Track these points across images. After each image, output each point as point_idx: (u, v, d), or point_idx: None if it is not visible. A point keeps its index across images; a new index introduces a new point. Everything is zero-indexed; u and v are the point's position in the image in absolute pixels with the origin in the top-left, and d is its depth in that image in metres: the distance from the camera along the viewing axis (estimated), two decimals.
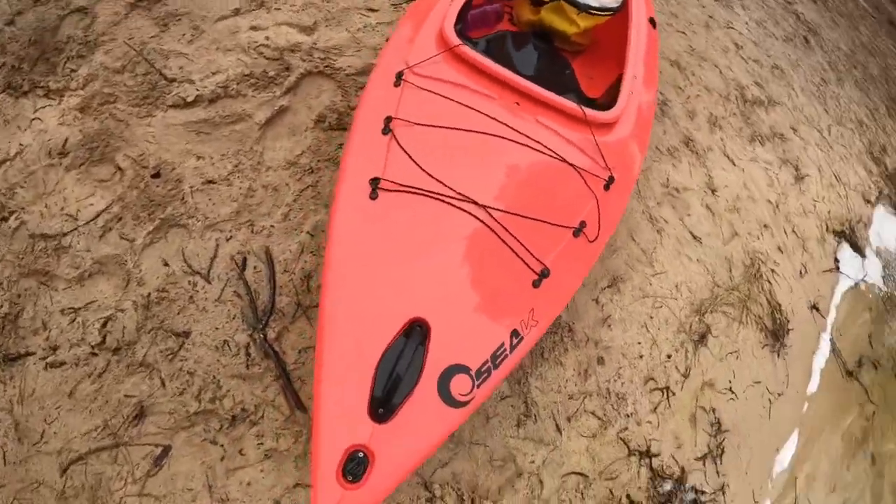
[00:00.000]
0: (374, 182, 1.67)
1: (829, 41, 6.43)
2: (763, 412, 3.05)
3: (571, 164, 1.99)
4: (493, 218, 1.71)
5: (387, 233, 1.61)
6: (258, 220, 2.26)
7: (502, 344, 1.51)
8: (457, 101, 1.97)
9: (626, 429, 2.45)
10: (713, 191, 3.62)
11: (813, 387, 3.52)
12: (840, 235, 4.57)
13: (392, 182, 1.67)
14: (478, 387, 1.42)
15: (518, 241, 1.70)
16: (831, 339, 3.86)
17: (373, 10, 3.06)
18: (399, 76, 1.96)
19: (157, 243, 2.10)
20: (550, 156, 1.97)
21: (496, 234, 1.69)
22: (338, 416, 1.25)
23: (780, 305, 3.51)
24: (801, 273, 3.90)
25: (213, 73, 2.55)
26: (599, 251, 1.99)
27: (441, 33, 2.15)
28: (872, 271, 4.73)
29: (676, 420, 2.61)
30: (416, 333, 1.42)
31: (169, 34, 2.61)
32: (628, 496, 2.31)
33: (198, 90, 2.47)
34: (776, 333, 3.37)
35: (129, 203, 2.15)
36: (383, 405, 1.29)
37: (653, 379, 2.64)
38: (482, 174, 1.85)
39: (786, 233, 4.01)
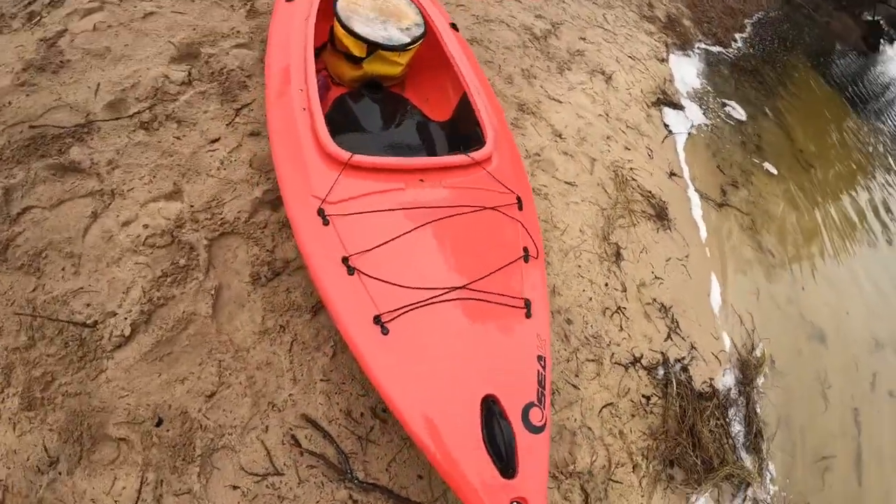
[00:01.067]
0: (378, 319, 1.88)
1: None
2: (684, 276, 3.89)
3: (490, 208, 2.35)
4: (471, 289, 2.04)
5: (412, 350, 1.88)
6: (276, 398, 2.37)
7: (538, 371, 1.95)
8: (383, 210, 2.18)
9: (613, 354, 3.11)
10: (560, 136, 4.25)
11: (703, 233, 4.57)
12: (657, 104, 5.57)
13: (390, 312, 1.90)
14: (544, 409, 1.84)
15: (497, 294, 2.06)
16: (696, 190, 4.94)
17: (215, 141, 3.15)
18: (322, 214, 2.10)
19: (212, 477, 2.18)
20: (473, 210, 2.32)
21: (482, 300, 2.03)
22: (488, 495, 1.60)
23: (650, 192, 4.32)
24: (649, 155, 4.88)
25: (126, 292, 2.53)
26: (544, 258, 2.42)
27: (324, 150, 2.29)
28: (694, 115, 5.88)
29: (637, 324, 3.35)
30: (489, 405, 1.77)
31: (48, 277, 2.50)
32: (643, 395, 3.04)
33: (126, 318, 2.46)
34: (660, 214, 4.19)
35: (157, 464, 2.17)
36: (505, 465, 1.66)
37: (607, 308, 3.31)
38: (442, 260, 2.15)
39: (623, 132, 4.91)
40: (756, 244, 4.80)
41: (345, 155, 2.25)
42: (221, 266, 2.58)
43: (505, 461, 1.66)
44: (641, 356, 3.20)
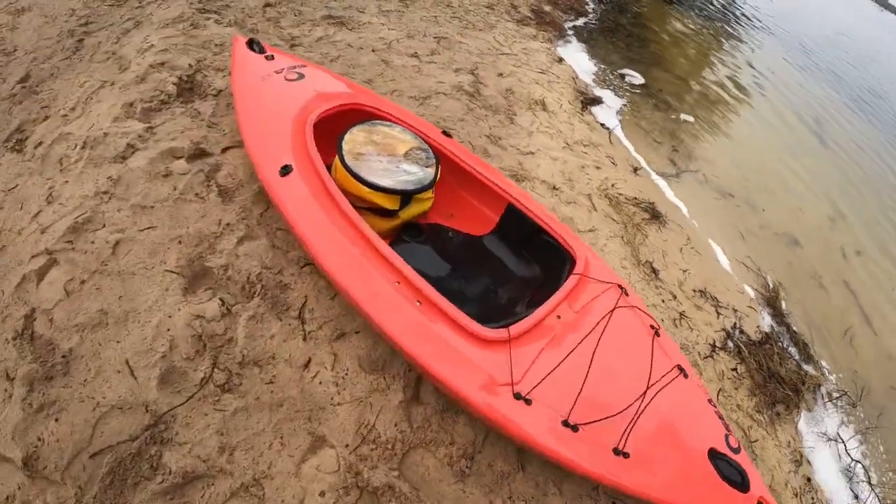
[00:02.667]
0: (618, 450, 2.17)
1: None
2: (697, 256, 4.53)
3: (611, 310, 2.62)
4: (650, 386, 2.34)
5: (652, 453, 2.23)
6: None
7: (714, 411, 2.41)
8: (562, 360, 2.34)
9: (699, 352, 3.61)
10: (555, 188, 4.46)
11: (684, 210, 5.14)
12: (584, 108, 5.94)
13: (585, 423, 2.18)
14: (731, 433, 2.36)
15: (665, 378, 2.41)
16: (657, 174, 5.53)
17: (307, 365, 2.82)
18: (521, 397, 2.21)
19: None
20: (605, 318, 2.56)
21: (660, 388, 2.37)
22: None
23: (636, 198, 4.80)
24: (613, 163, 5.25)
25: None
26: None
27: (478, 336, 2.34)
28: (610, 100, 6.41)
29: (696, 318, 3.87)
30: (713, 453, 2.24)
31: None
32: (732, 369, 3.62)
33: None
34: (654, 214, 4.67)
35: None
36: (741, 484, 2.16)
37: (674, 319, 3.77)
38: (617, 372, 2.39)
39: (585, 152, 5.21)
40: (718, 194, 5.52)
41: (503, 333, 2.29)
42: (424, 485, 2.45)
43: (740, 481, 2.15)
44: (714, 341, 3.70)
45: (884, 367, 4.30)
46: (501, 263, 3.27)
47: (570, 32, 7.62)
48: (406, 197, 2.94)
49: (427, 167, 3.04)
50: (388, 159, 3.00)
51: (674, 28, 9.73)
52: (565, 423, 2.16)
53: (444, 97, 4.87)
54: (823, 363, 4.08)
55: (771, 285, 4.53)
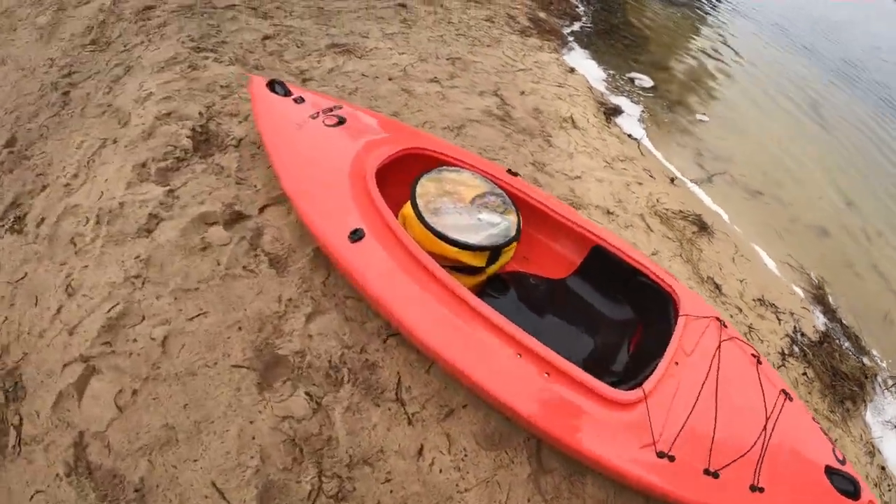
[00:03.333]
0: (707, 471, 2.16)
1: None
2: (748, 263, 4.44)
3: (718, 345, 2.58)
4: (769, 418, 2.35)
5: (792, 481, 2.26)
6: None
7: (820, 427, 2.44)
8: (697, 404, 2.32)
9: (771, 362, 3.50)
10: (609, 212, 4.23)
11: (725, 217, 5.03)
12: (608, 119, 5.72)
13: (722, 468, 2.16)
14: (836, 447, 2.39)
15: (776, 407, 2.42)
16: (691, 181, 5.40)
17: (422, 457, 2.49)
18: (666, 455, 2.15)
19: None
20: (714, 354, 2.55)
21: (776, 420, 2.35)
22: None
23: (681, 211, 4.65)
24: (651, 176, 5.04)
25: None
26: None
27: (611, 400, 2.26)
28: (629, 108, 6.26)
29: (762, 327, 3.81)
30: (829, 469, 2.27)
31: None
32: (802, 374, 3.58)
33: None
34: (702, 226, 4.52)
35: None
36: (853, 493, 2.19)
37: (745, 333, 3.64)
38: (736, 417, 2.34)
39: (625, 168, 5.00)
40: (747, 194, 5.46)
41: (636, 393, 2.22)
42: None
43: (853, 491, 2.19)
44: (782, 349, 3.63)
45: None
46: (592, 307, 3.08)
47: (570, 39, 7.37)
48: (495, 252, 2.68)
49: (506, 214, 2.80)
50: (465, 210, 2.74)
51: (661, 22, 9.60)
52: (706, 472, 2.14)
53: (477, 125, 4.53)
54: (874, 352, 4.09)
55: (815, 282, 4.52)
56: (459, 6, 6.96)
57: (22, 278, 2.86)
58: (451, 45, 5.79)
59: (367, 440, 2.39)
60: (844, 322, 4.19)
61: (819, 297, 4.35)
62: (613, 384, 2.29)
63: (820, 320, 4.13)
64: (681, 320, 2.57)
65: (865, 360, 3.91)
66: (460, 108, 4.71)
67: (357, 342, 2.70)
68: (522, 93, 5.32)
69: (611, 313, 3.04)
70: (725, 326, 2.65)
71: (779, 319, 3.90)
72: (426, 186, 2.79)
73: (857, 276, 4.87)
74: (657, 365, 2.35)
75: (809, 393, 3.43)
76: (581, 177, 4.48)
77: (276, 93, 3.48)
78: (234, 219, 3.15)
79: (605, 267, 3.03)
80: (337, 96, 4.43)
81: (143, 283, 2.75)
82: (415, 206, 2.65)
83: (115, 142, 3.65)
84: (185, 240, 2.97)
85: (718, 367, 2.42)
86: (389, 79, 4.84)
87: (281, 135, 3.17)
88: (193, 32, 4.92)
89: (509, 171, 3.24)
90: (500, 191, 2.92)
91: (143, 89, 4.14)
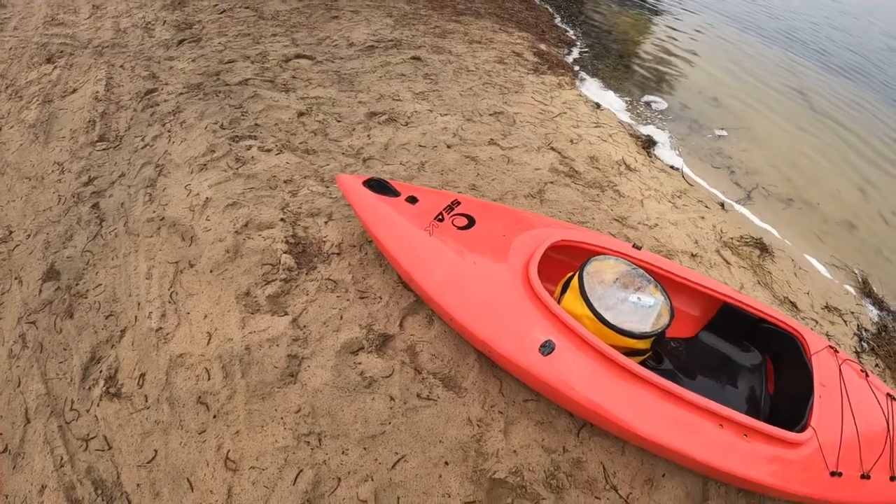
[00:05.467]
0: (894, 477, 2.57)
1: None
2: (806, 275, 4.64)
3: (861, 371, 3.01)
4: None
5: None
6: None
7: None
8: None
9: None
10: (693, 255, 4.33)
11: (775, 233, 5.22)
12: (647, 152, 5.83)
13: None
14: None
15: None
16: (735, 202, 5.57)
17: None
18: (834, 474, 2.54)
19: None
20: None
21: None
22: None
23: (742, 237, 4.79)
24: (706, 206, 5.16)
25: None
26: None
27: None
28: (660, 137, 6.38)
29: (835, 332, 4.03)
30: None
31: None
32: (875, 366, 3.83)
33: None
34: (763, 248, 4.71)
35: None
36: None
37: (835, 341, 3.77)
38: (870, 424, 2.74)
39: (686, 205, 5.11)
40: (783, 203, 5.75)
41: (809, 432, 2.57)
42: None
43: None
44: (855, 349, 3.92)
45: None
46: (727, 358, 3.35)
47: (577, 69, 7.39)
48: (661, 335, 2.84)
49: (655, 293, 2.92)
50: (622, 297, 2.87)
51: (646, 32, 9.94)
52: (863, 476, 2.54)
53: (553, 187, 4.43)
54: None
55: (859, 276, 4.86)
56: (466, 50, 6.86)
57: (153, 458, 2.52)
58: (483, 97, 5.66)
59: None
60: (892, 308, 4.55)
61: (866, 291, 4.70)
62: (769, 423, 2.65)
63: (874, 312, 4.44)
64: (814, 359, 2.89)
65: None
66: (529, 169, 4.59)
67: (557, 444, 2.72)
68: (572, 141, 5.24)
69: (745, 361, 3.34)
70: (837, 352, 3.00)
71: (844, 321, 4.15)
72: (591, 286, 2.85)
73: (888, 261, 5.29)
74: (811, 403, 2.70)
75: (885, 381, 3.67)
76: (658, 224, 4.49)
77: (377, 191, 3.29)
78: (382, 342, 2.92)
79: (730, 319, 3.30)
80: (407, 175, 4.22)
81: (318, 441, 2.50)
82: (590, 306, 2.75)
83: (191, 266, 3.31)
84: (341, 379, 2.71)
85: (846, 390, 2.79)
86: (448, 146, 4.66)
87: (410, 243, 3.04)
88: (218, 117, 4.60)
89: (634, 245, 3.33)
90: (640, 269, 3.02)
91: (192, 194, 3.80)
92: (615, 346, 2.72)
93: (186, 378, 2.74)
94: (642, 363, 2.94)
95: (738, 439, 2.53)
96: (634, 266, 3.01)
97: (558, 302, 2.90)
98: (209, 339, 2.88)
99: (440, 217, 3.16)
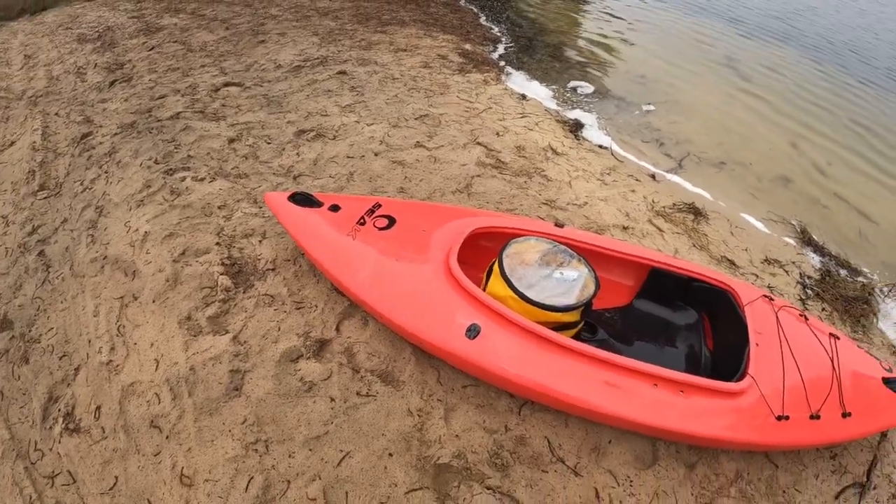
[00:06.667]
0: (812, 415, 2.64)
1: None
2: (744, 231, 4.76)
3: (801, 313, 3.15)
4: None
5: None
6: None
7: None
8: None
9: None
10: (624, 228, 4.52)
11: (707, 195, 5.45)
12: (576, 136, 6.01)
13: (819, 409, 2.65)
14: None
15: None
16: (664, 171, 5.74)
17: None
18: (780, 418, 2.61)
19: None
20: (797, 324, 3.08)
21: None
22: None
23: (677, 205, 4.97)
24: (637, 180, 5.39)
25: None
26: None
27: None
28: (587, 120, 6.60)
29: (779, 282, 4.21)
30: (887, 382, 2.80)
31: None
32: (822, 310, 4.02)
33: None
34: (697, 213, 4.91)
35: None
36: None
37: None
38: (811, 366, 2.82)
39: (616, 181, 5.27)
40: (714, 167, 6.03)
41: (747, 380, 2.64)
42: None
43: None
44: (800, 297, 4.11)
45: None
46: (664, 320, 3.45)
47: (503, 64, 7.55)
48: (587, 306, 2.92)
49: (578, 266, 3.02)
50: (545, 274, 2.95)
51: (572, 21, 10.16)
52: (812, 417, 2.60)
53: (480, 180, 4.60)
54: (864, 268, 4.65)
55: (799, 228, 5.06)
56: (391, 59, 7.02)
57: (114, 485, 2.65)
58: (408, 102, 5.82)
59: (561, 500, 2.56)
60: (833, 253, 4.74)
61: (806, 240, 4.89)
62: (712, 378, 2.71)
63: (815, 259, 4.62)
64: (747, 308, 2.95)
65: (861, 278, 4.48)
66: (455, 166, 4.76)
67: (499, 424, 2.80)
68: (497, 134, 5.42)
69: (680, 320, 3.44)
70: (772, 299, 3.09)
71: (786, 272, 4.31)
72: (508, 264, 2.94)
73: (825, 208, 5.51)
74: (747, 353, 2.75)
75: (833, 324, 3.84)
76: (588, 202, 4.65)
77: (302, 204, 3.42)
78: (319, 347, 3.05)
79: (662, 283, 3.39)
80: (337, 186, 4.37)
81: (266, 447, 2.62)
82: (512, 286, 2.83)
83: (135, 298, 3.44)
84: (283, 386, 2.84)
85: (784, 334, 2.86)
86: (375, 154, 4.81)
87: (336, 250, 3.16)
88: (152, 153, 4.72)
89: (556, 223, 3.46)
90: (562, 246, 3.12)
91: (132, 231, 3.92)
92: (543, 321, 2.81)
93: (138, 405, 2.86)
94: (576, 335, 3.06)
95: (674, 396, 2.56)
96: (556, 243, 3.12)
97: (484, 288, 3.01)
98: (157, 366, 3.00)
99: (362, 221, 3.28)
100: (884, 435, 3.15)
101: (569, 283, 2.92)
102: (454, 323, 2.76)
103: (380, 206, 3.42)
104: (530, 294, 2.81)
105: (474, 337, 2.70)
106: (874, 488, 2.91)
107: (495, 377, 2.73)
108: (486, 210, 3.96)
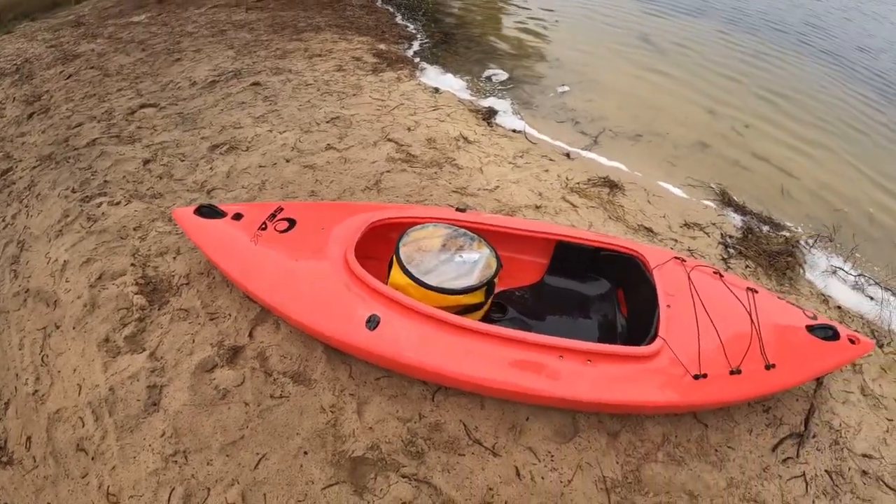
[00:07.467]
0: (733, 370, 2.67)
1: None
2: (661, 199, 4.95)
3: (716, 271, 3.25)
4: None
5: None
6: None
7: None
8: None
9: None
10: (537, 207, 4.64)
11: (623, 167, 5.64)
12: (488, 122, 6.13)
13: (739, 364, 2.68)
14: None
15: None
16: (581, 149, 5.91)
17: None
18: (697, 376, 2.63)
19: None
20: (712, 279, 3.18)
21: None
22: None
23: (591, 180, 5.13)
24: (551, 160, 5.52)
25: None
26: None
27: None
28: (501, 106, 6.70)
29: (699, 245, 4.38)
30: (810, 329, 2.87)
31: None
32: (747, 267, 4.14)
33: None
34: (612, 185, 5.08)
35: None
36: (835, 336, 2.84)
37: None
38: (728, 322, 2.85)
39: (529, 164, 5.45)
40: (630, 140, 6.23)
41: (658, 342, 2.68)
42: (676, 482, 2.70)
43: (832, 335, 2.86)
44: (722, 256, 4.30)
45: (821, 198, 5.39)
46: (576, 293, 3.51)
47: (418, 60, 7.61)
48: (490, 286, 2.95)
49: (479, 248, 3.07)
50: (446, 259, 2.99)
51: (487, 12, 10.25)
52: (732, 372, 2.61)
53: (390, 175, 4.70)
54: (787, 223, 4.86)
55: (717, 190, 5.22)
56: (306, 65, 7.03)
57: None
58: (321, 107, 5.87)
59: (475, 486, 2.59)
60: (754, 211, 4.90)
61: (726, 201, 5.03)
62: (629, 344, 2.74)
63: (737, 219, 4.79)
64: (655, 272, 3.00)
65: (784, 233, 4.64)
66: (366, 164, 4.85)
67: (412, 413, 2.85)
68: (409, 129, 5.51)
69: (592, 291, 3.50)
70: (684, 261, 3.14)
71: (707, 234, 4.47)
72: (409, 254, 2.98)
73: (745, 169, 5.71)
74: (657, 315, 2.78)
75: (758, 279, 4.02)
76: (499, 186, 4.76)
77: (208, 216, 3.45)
78: (232, 355, 3.12)
79: (572, 257, 3.43)
80: (249, 196, 4.43)
81: (185, 458, 2.67)
82: (409, 274, 2.86)
83: (57, 327, 3.46)
84: (198, 396, 2.90)
85: (697, 294, 2.88)
86: (287, 161, 4.86)
87: (239, 257, 3.19)
88: (70, 182, 4.70)
89: (457, 208, 3.52)
90: (462, 230, 3.17)
91: (52, 261, 3.93)
92: (446, 306, 2.84)
93: (64, 430, 2.89)
94: (486, 317, 3.13)
95: (582, 366, 2.55)
96: (457, 228, 3.17)
97: (387, 279, 3.06)
98: (79, 390, 3.04)
99: (263, 226, 3.32)
100: (819, 382, 3.20)
101: (469, 265, 2.96)
102: (355, 316, 2.77)
103: (281, 209, 3.46)
104: (428, 280, 2.84)
105: (374, 328, 2.72)
106: (813, 437, 2.97)
107: (399, 365, 2.77)
108: (393, 204, 4.04)
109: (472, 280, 2.88)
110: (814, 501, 2.70)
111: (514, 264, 3.55)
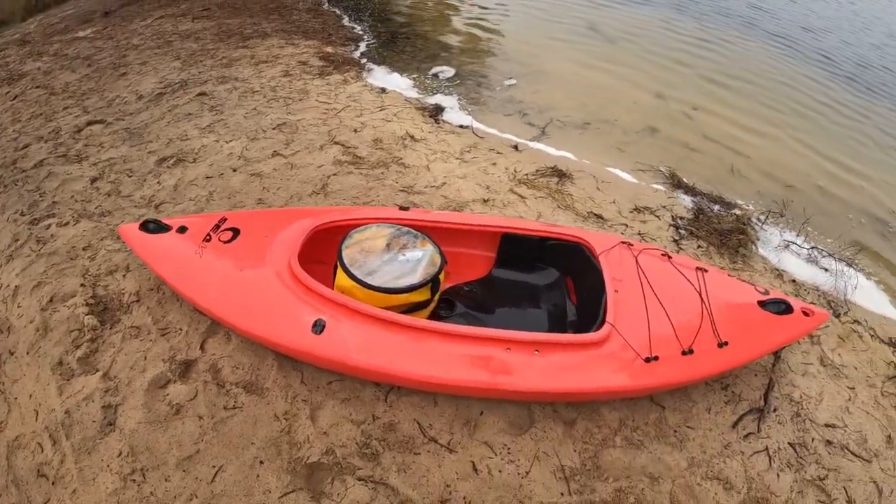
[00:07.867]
0: (684, 351, 2.72)
1: None
2: (614, 186, 5.11)
3: (665, 254, 3.27)
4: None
5: None
6: None
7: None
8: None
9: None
10: (485, 201, 4.70)
11: (572, 157, 5.72)
12: (436, 120, 6.18)
13: (691, 344, 2.73)
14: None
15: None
16: (530, 140, 6.08)
17: None
18: (648, 359, 2.68)
19: None
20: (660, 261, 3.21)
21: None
22: None
23: (539, 170, 5.26)
24: (498, 153, 5.60)
25: None
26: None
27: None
28: (448, 103, 6.73)
29: (651, 227, 4.49)
30: (762, 305, 2.93)
31: None
32: (699, 246, 4.31)
33: None
34: (561, 175, 5.18)
35: None
36: (788, 309, 2.92)
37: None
38: (679, 304, 2.90)
39: (478, 158, 5.51)
40: (579, 128, 6.34)
41: (606, 328, 2.70)
42: (631, 466, 2.78)
43: (786, 308, 2.92)
44: (673, 238, 4.40)
45: (771, 176, 5.56)
46: (525, 284, 3.53)
47: (364, 62, 7.59)
48: (435, 282, 2.97)
49: (422, 245, 3.10)
50: (389, 258, 3.01)
51: (434, 10, 10.22)
52: (684, 353, 2.64)
53: (337, 178, 4.73)
54: (738, 201, 5.01)
55: (666, 173, 5.33)
56: (252, 73, 6.99)
57: None
58: (267, 113, 5.86)
59: (432, 484, 2.63)
60: (704, 191, 5.01)
61: (676, 183, 5.16)
62: (579, 332, 2.79)
63: (687, 200, 4.91)
64: (601, 258, 3.04)
65: (736, 211, 4.75)
66: (312, 169, 4.87)
67: (365, 415, 2.88)
68: (355, 131, 5.54)
69: (541, 280, 3.52)
70: (631, 245, 3.18)
71: (657, 217, 4.58)
72: (351, 255, 3.00)
73: (696, 152, 5.84)
74: (605, 300, 2.81)
75: (711, 258, 4.13)
76: (446, 182, 4.82)
77: (153, 231, 3.45)
78: (185, 369, 3.14)
79: (518, 248, 3.47)
80: (197, 208, 4.42)
81: (143, 476, 2.70)
82: (352, 277, 2.88)
83: (11, 354, 3.45)
84: (152, 413, 2.92)
85: (646, 277, 2.92)
86: (234, 170, 4.86)
87: (185, 271, 3.19)
88: (18, 206, 4.64)
89: (400, 207, 3.55)
90: (404, 228, 3.20)
91: (4, 286, 3.90)
92: (392, 305, 2.88)
93: (24, 457, 2.88)
94: (434, 314, 3.16)
95: (530, 357, 2.57)
96: (400, 227, 3.19)
97: (333, 282, 3.07)
98: (36, 416, 3.04)
99: (207, 237, 3.32)
100: (777, 356, 3.27)
101: (413, 263, 2.98)
102: (301, 321, 2.79)
103: (225, 219, 3.46)
104: (372, 280, 2.87)
105: (320, 332, 2.73)
106: (774, 410, 3.04)
107: (348, 368, 2.79)
108: (338, 206, 4.07)
109: (415, 278, 2.90)
110: (778, 475, 2.75)
111: (462, 259, 3.59)
